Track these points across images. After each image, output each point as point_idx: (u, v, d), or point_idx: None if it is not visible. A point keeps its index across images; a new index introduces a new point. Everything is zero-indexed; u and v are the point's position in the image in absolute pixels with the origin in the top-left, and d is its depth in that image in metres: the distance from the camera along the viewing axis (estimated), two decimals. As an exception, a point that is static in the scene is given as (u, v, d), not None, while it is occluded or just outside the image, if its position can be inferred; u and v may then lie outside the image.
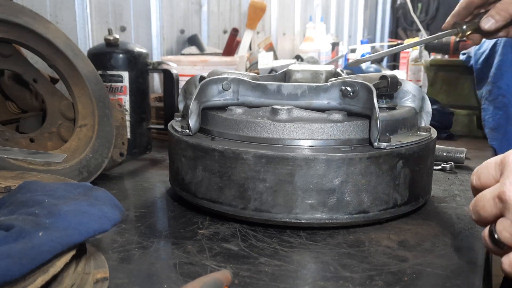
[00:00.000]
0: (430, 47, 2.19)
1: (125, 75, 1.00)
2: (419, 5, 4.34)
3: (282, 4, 2.70)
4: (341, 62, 2.69)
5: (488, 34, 0.92)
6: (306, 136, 0.67)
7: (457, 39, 0.96)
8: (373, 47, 2.96)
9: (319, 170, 0.63)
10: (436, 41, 2.17)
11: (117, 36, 1.00)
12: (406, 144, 0.68)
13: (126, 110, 1.02)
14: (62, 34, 0.85)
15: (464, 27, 0.92)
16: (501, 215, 0.47)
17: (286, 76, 0.90)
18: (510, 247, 0.46)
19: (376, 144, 0.66)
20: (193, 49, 1.77)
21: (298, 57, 2.31)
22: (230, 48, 1.74)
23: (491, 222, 0.48)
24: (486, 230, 0.49)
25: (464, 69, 1.46)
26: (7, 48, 0.83)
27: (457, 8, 0.94)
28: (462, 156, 1.00)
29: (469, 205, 0.53)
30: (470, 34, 0.94)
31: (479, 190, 0.51)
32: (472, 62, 1.39)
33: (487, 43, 1.33)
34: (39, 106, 0.93)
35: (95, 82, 0.88)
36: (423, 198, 0.73)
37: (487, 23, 0.85)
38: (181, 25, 1.83)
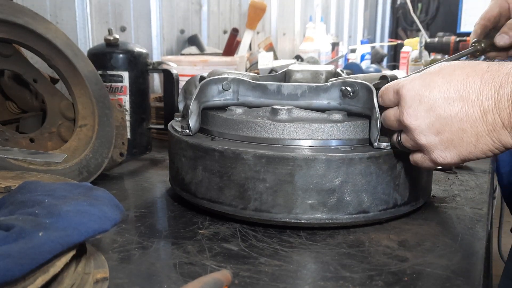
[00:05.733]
0: (430, 47, 2.20)
1: (125, 75, 1.00)
2: (419, 5, 4.33)
3: (282, 4, 2.70)
4: (341, 62, 2.69)
5: (504, 50, 0.94)
6: (306, 136, 0.67)
7: (477, 57, 0.97)
8: (373, 47, 2.95)
9: (319, 170, 0.63)
10: (436, 40, 2.17)
11: (117, 36, 1.00)
12: (406, 144, 0.68)
13: (126, 110, 1.02)
14: (62, 34, 0.85)
15: (483, 45, 0.94)
16: (400, 129, 0.62)
17: (286, 76, 0.90)
18: (411, 149, 0.62)
19: (376, 144, 0.66)
20: (193, 49, 1.77)
21: (298, 57, 2.31)
22: (230, 48, 1.73)
23: (396, 130, 0.64)
24: (394, 137, 0.64)
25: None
26: (7, 48, 0.82)
27: (474, 29, 0.96)
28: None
29: (467, 206, 0.55)
30: (488, 51, 0.95)
31: (385, 108, 0.65)
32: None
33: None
34: (39, 106, 0.93)
35: (95, 82, 0.88)
36: (423, 198, 0.73)
37: (502, 40, 0.89)
38: (181, 25, 1.83)
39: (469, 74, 0.55)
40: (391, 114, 0.62)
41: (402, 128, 0.61)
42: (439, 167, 0.94)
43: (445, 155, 0.58)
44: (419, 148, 0.61)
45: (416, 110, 0.57)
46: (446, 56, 1.85)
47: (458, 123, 0.55)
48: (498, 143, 0.54)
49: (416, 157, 0.62)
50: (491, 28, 0.95)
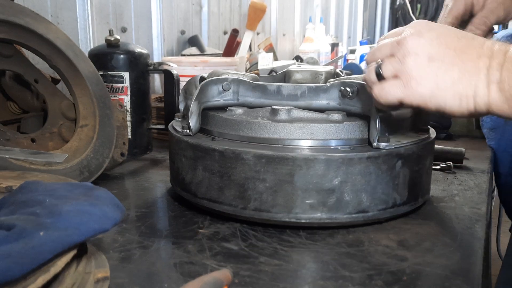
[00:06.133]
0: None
1: (126, 75, 1.01)
2: (418, 6, 4.34)
3: (282, 5, 2.70)
4: (340, 62, 2.69)
5: None
6: (306, 136, 0.67)
7: None
8: (372, 48, 2.95)
9: (319, 170, 0.63)
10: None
11: (118, 37, 1.00)
12: (405, 144, 0.68)
13: (127, 111, 1.02)
14: (63, 35, 0.85)
15: None
16: (391, 55, 0.60)
17: (286, 76, 0.90)
18: (385, 79, 0.60)
19: (375, 144, 0.66)
20: (194, 49, 1.77)
21: (298, 58, 2.31)
22: (230, 49, 1.74)
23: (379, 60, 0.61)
24: (372, 65, 0.62)
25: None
26: (8, 48, 0.83)
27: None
28: (461, 156, 1.00)
29: (466, 206, 0.55)
30: None
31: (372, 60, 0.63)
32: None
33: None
34: (40, 107, 0.93)
35: (96, 83, 0.88)
36: (422, 198, 0.74)
37: None
38: (182, 26, 1.83)
39: (478, 35, 0.59)
40: (387, 40, 0.61)
41: (393, 52, 0.59)
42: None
43: (420, 82, 0.57)
44: (398, 74, 0.59)
45: (422, 33, 0.58)
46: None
47: (452, 58, 0.57)
48: (473, 91, 0.55)
49: (386, 84, 0.60)
50: (457, 25, 0.96)
